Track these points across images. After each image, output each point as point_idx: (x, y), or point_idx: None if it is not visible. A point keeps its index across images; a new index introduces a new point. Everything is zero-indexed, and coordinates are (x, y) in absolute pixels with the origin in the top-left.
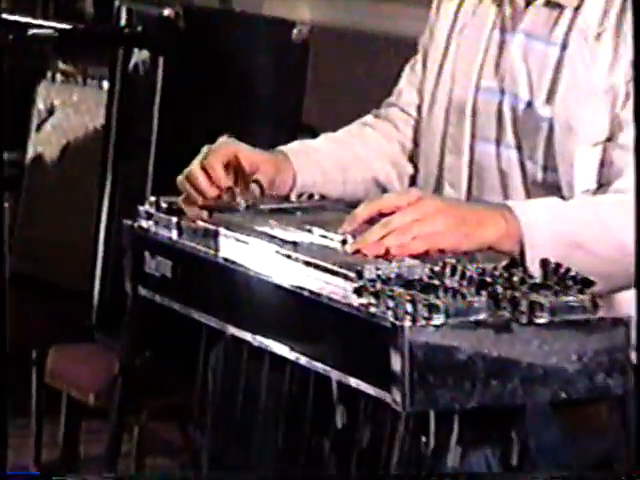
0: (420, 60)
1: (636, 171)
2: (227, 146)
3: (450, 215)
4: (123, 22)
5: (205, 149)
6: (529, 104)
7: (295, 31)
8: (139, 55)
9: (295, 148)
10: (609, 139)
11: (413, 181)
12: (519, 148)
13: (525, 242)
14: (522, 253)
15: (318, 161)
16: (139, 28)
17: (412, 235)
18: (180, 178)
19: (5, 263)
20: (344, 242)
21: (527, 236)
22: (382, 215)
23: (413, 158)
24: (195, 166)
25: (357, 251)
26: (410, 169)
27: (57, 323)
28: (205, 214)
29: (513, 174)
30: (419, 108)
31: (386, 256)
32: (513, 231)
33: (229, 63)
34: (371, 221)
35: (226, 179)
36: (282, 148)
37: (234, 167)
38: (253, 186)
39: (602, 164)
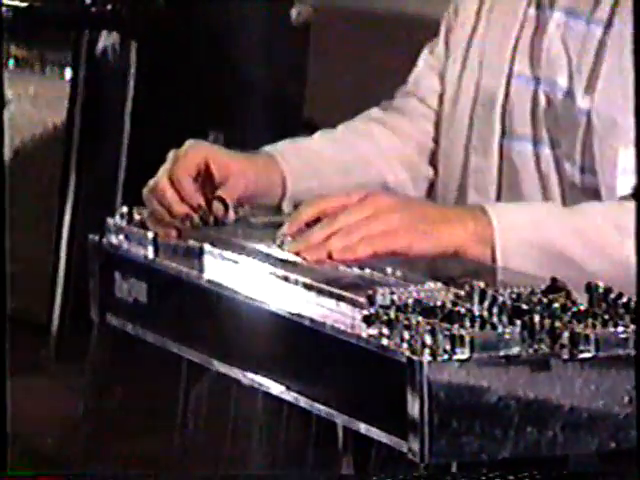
0: (442, 42)
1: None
2: (196, 152)
3: (406, 212)
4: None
5: (171, 155)
6: (568, 93)
7: (294, 11)
8: (108, 38)
9: (284, 148)
10: None
11: (432, 186)
12: (557, 146)
13: (497, 249)
14: (494, 262)
15: (312, 163)
16: (108, 7)
17: (359, 236)
18: (145, 191)
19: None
20: (282, 245)
21: (500, 242)
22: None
23: (432, 159)
24: (162, 178)
25: (297, 254)
26: (428, 172)
27: (8, 356)
28: (173, 233)
29: (552, 178)
30: (441, 98)
31: (330, 260)
32: (483, 235)
33: (216, 48)
34: (317, 223)
35: (196, 195)
36: (268, 148)
37: (205, 177)
38: (216, 204)
39: None
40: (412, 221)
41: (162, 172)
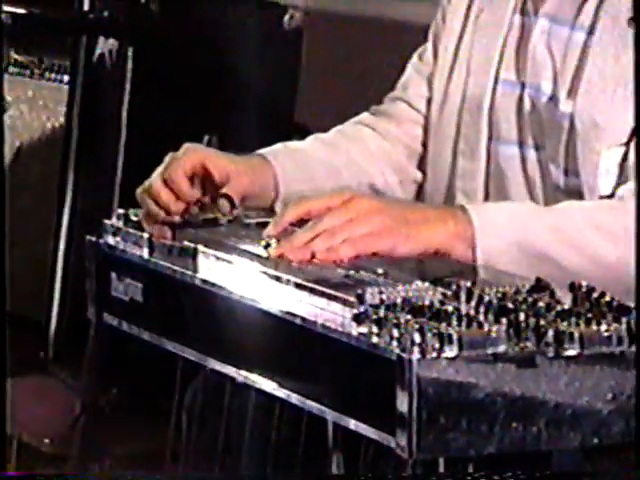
0: (430, 49)
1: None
2: (193, 154)
3: (387, 214)
4: (87, 6)
5: (168, 158)
6: (551, 98)
7: (287, 17)
8: (105, 44)
9: (277, 151)
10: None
11: (420, 189)
12: (542, 149)
13: (477, 248)
14: (475, 261)
15: (305, 166)
16: (105, 13)
17: (342, 237)
18: (139, 192)
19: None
20: (267, 246)
21: (480, 241)
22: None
23: (421, 163)
24: (156, 179)
25: (281, 256)
26: (416, 175)
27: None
28: (168, 232)
29: (537, 180)
30: (429, 103)
31: (314, 262)
32: (464, 234)
33: (210, 54)
34: (300, 224)
35: (192, 193)
36: (262, 151)
37: (202, 178)
38: (222, 201)
39: (622, 166)
40: (394, 223)
41: (157, 173)
